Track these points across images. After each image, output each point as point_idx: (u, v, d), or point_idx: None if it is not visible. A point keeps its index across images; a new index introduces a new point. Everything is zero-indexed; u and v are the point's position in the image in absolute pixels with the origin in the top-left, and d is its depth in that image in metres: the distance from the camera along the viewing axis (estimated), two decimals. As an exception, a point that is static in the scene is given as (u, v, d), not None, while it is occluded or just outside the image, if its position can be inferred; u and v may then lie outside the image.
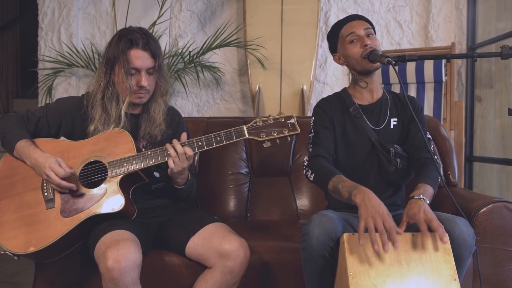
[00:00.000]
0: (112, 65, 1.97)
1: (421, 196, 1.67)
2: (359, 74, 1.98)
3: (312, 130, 2.00)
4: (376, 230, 1.56)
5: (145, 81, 1.95)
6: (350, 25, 1.94)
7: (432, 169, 1.82)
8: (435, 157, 1.88)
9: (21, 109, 2.08)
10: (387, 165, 1.93)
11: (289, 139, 1.85)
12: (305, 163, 1.92)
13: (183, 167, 1.86)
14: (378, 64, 1.90)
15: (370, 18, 2.04)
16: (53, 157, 1.86)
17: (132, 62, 1.93)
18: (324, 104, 2.04)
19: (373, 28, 1.98)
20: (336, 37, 1.99)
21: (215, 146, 1.85)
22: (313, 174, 1.85)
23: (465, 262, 1.67)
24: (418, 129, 1.90)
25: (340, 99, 2.04)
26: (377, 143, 1.94)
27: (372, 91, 2.00)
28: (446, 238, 1.56)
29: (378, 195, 1.93)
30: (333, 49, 2.04)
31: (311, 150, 1.94)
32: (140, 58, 1.94)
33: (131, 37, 1.94)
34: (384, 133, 1.97)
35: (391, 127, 1.98)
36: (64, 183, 1.82)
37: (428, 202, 1.67)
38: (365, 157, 1.97)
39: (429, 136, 1.98)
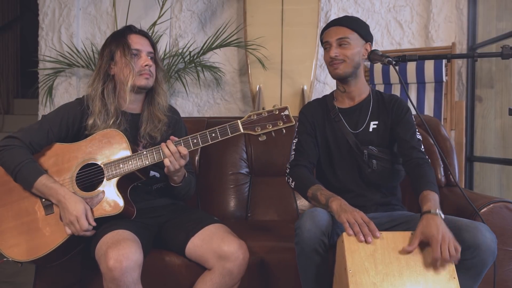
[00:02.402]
0: (112, 56, 1.99)
1: (437, 211, 1.64)
2: (335, 79, 2.04)
3: (296, 136, 2.07)
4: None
5: (149, 60, 1.99)
6: (327, 33, 2.00)
7: (428, 171, 1.82)
8: (426, 157, 1.90)
9: (17, 132, 1.92)
10: (364, 167, 1.95)
11: (284, 131, 1.84)
12: (287, 171, 2.02)
13: (180, 165, 1.86)
14: (341, 72, 1.95)
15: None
16: (82, 202, 1.80)
17: (133, 45, 1.98)
18: (306, 109, 2.11)
19: (358, 32, 1.96)
20: (321, 40, 2.06)
21: (210, 142, 1.84)
22: (294, 182, 1.96)
23: (487, 268, 1.66)
24: (408, 129, 1.93)
25: (323, 103, 2.10)
26: (354, 145, 1.96)
27: (352, 95, 2.04)
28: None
29: (365, 196, 1.96)
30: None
31: (292, 158, 2.03)
32: (140, 42, 2.01)
33: (129, 26, 2.05)
34: (363, 136, 1.99)
35: (370, 130, 2.00)
36: (83, 233, 1.80)
37: (443, 216, 1.64)
38: (345, 161, 2.00)
39: (419, 136, 1.96)
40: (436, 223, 1.59)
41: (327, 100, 2.10)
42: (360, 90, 2.03)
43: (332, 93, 2.12)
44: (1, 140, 1.90)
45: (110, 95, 1.98)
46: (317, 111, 2.08)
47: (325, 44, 1.99)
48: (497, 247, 1.92)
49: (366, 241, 1.58)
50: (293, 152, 2.04)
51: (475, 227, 1.63)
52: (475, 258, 1.59)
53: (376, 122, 2.00)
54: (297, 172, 1.96)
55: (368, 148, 1.95)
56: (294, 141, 2.06)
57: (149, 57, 2.02)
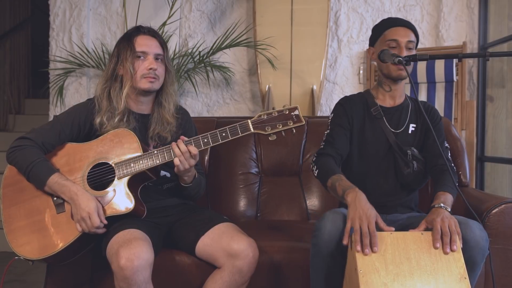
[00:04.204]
0: (119, 57, 1.99)
1: (442, 205, 1.71)
2: (384, 77, 1.99)
3: (329, 127, 2.03)
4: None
5: (154, 63, 1.97)
6: (396, 31, 1.93)
7: (449, 176, 1.83)
8: (452, 165, 1.92)
9: (29, 132, 1.93)
10: (403, 167, 1.95)
11: (294, 131, 1.84)
12: (313, 159, 1.97)
13: (190, 165, 1.86)
14: (405, 73, 1.90)
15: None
16: (94, 200, 1.81)
17: (140, 46, 1.97)
18: (345, 102, 2.06)
19: (417, 40, 1.97)
20: (379, 34, 1.99)
21: (221, 142, 1.84)
22: (317, 170, 1.91)
23: (478, 266, 1.66)
24: (439, 136, 1.93)
25: (363, 99, 2.06)
26: (395, 145, 1.96)
27: (394, 96, 2.03)
28: (456, 247, 1.57)
29: (392, 195, 1.96)
30: (372, 42, 2.05)
31: (322, 147, 1.98)
32: (147, 44, 1.99)
33: (138, 27, 2.03)
34: (402, 137, 1.99)
35: (409, 132, 2.01)
36: (94, 230, 1.80)
37: (449, 210, 1.70)
38: (381, 158, 1.99)
39: (446, 145, 2.00)
40: (438, 211, 1.67)
41: (366, 96, 2.06)
42: (402, 92, 2.04)
43: (369, 91, 2.08)
44: (13, 141, 1.92)
45: (117, 95, 1.98)
46: (358, 106, 2.04)
47: (391, 42, 1.92)
48: (509, 248, 1.93)
49: (362, 252, 1.57)
50: (323, 143, 2.00)
51: (466, 224, 1.65)
52: (464, 254, 1.59)
53: (415, 125, 2.01)
54: (322, 161, 1.92)
55: (411, 149, 1.96)
56: (326, 131, 2.03)
57: (157, 59, 2.00)
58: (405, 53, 1.90)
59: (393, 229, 1.64)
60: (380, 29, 1.99)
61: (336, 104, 2.08)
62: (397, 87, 2.01)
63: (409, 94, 2.12)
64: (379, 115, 2.00)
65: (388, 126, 1.99)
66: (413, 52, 1.94)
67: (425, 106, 2.07)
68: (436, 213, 1.66)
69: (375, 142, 1.99)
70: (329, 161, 1.91)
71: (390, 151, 1.98)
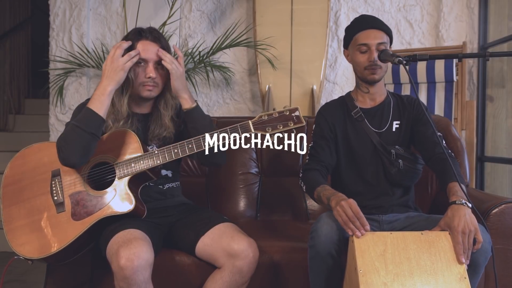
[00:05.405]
0: None
1: (463, 201, 1.65)
2: (359, 80, 2.02)
3: (312, 141, 2.05)
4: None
5: (153, 72, 1.93)
6: (366, 34, 1.94)
7: (452, 164, 1.77)
8: (449, 151, 1.88)
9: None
10: (389, 167, 1.94)
11: (294, 132, 1.85)
12: (300, 175, 2.01)
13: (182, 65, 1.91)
14: (378, 77, 1.94)
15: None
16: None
17: (140, 54, 1.92)
18: (325, 110, 2.09)
19: (390, 37, 1.97)
20: (350, 37, 2.00)
21: (222, 141, 1.84)
22: (305, 186, 1.95)
23: (481, 268, 1.67)
24: (428, 127, 1.92)
25: (343, 103, 2.08)
26: (379, 145, 1.96)
27: (374, 96, 2.03)
28: (465, 260, 1.57)
29: (386, 197, 1.96)
30: (345, 45, 2.06)
31: (307, 162, 2.03)
32: (148, 50, 1.93)
33: (140, 29, 1.98)
34: (386, 136, 1.99)
35: (393, 129, 2.00)
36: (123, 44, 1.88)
37: (470, 205, 1.65)
38: (368, 160, 1.99)
39: (439, 133, 1.94)
40: (460, 214, 1.61)
41: (346, 100, 2.08)
42: (381, 90, 2.04)
43: (349, 94, 2.10)
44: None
45: (119, 99, 1.96)
46: (337, 111, 2.06)
47: (362, 46, 1.94)
48: (509, 248, 1.92)
49: (355, 235, 1.59)
50: (307, 158, 2.04)
51: None
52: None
53: (398, 122, 2.01)
54: (307, 176, 1.96)
55: (395, 148, 1.95)
56: (309, 145, 2.04)
57: (158, 65, 1.95)
58: (376, 54, 1.91)
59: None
60: (351, 33, 2.00)
61: (317, 113, 2.11)
62: (375, 89, 2.01)
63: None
64: (360, 118, 2.01)
65: (371, 127, 2.00)
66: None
67: (409, 99, 2.06)
68: (456, 219, 1.60)
69: (360, 145, 2.00)
70: (314, 174, 1.95)
71: (376, 152, 1.98)
